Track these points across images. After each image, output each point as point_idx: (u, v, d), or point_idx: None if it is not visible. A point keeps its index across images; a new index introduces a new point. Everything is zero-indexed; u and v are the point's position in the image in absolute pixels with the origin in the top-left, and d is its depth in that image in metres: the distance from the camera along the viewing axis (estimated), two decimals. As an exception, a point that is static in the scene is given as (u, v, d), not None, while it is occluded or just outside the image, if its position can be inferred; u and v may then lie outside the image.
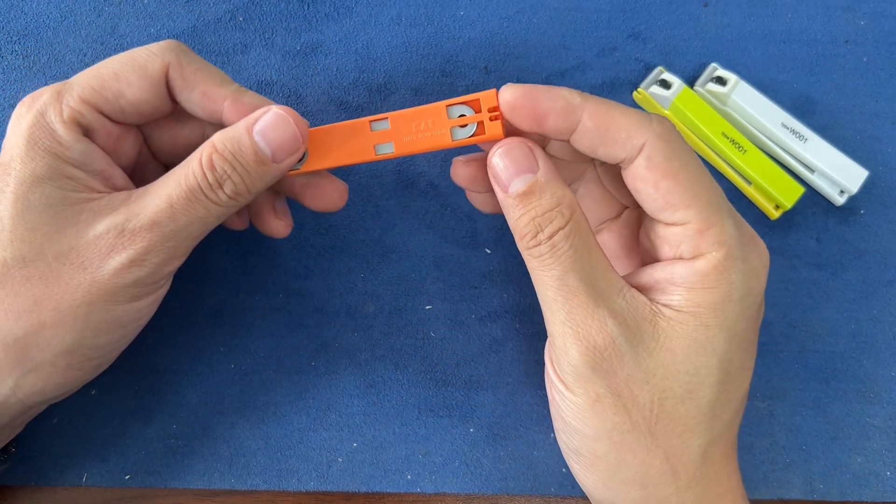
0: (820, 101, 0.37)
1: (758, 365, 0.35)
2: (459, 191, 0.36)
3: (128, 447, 0.33)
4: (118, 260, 0.24)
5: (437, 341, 0.35)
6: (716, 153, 0.36)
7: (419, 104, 0.36)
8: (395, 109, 0.36)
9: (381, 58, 0.37)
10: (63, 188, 0.25)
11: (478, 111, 0.25)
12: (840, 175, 0.35)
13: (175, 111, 0.29)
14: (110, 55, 0.36)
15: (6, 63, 0.36)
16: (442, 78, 0.37)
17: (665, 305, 0.24)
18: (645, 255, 0.27)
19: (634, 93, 0.37)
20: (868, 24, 0.38)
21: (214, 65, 0.36)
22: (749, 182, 0.35)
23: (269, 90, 0.36)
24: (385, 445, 0.34)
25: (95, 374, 0.27)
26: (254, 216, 0.31)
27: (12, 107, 0.35)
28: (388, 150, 0.26)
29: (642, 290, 0.25)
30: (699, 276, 0.24)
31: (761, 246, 0.25)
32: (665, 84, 0.35)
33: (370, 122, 0.26)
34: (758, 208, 0.36)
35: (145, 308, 0.26)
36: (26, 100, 0.26)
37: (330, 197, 0.29)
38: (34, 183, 0.24)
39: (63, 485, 0.33)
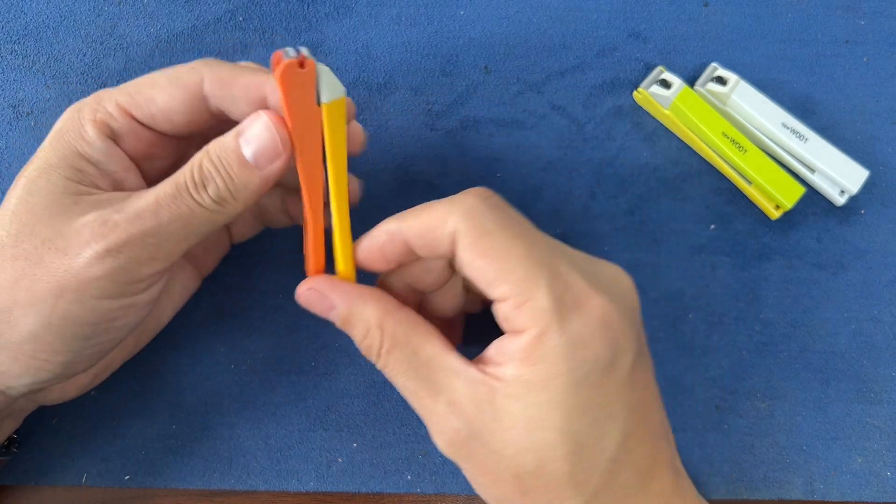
0: (820, 101, 0.37)
1: (758, 365, 0.35)
2: (459, 190, 0.36)
3: (127, 447, 0.33)
4: (94, 248, 0.24)
5: (437, 341, 0.35)
6: (716, 153, 0.36)
7: (419, 104, 0.36)
8: (394, 109, 0.36)
9: (381, 57, 0.37)
10: (69, 178, 0.26)
11: None
12: (841, 175, 0.35)
13: (215, 123, 0.29)
14: (110, 55, 0.36)
15: (5, 63, 0.36)
16: (442, 78, 0.37)
17: (501, 381, 0.24)
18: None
19: (635, 92, 0.37)
20: (868, 23, 0.38)
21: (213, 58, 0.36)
22: (749, 182, 0.35)
23: (269, 90, 0.36)
24: (385, 445, 0.34)
25: (68, 373, 0.27)
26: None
27: (12, 107, 0.35)
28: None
29: (489, 362, 0.25)
30: (523, 352, 0.23)
31: (592, 305, 0.23)
32: (665, 84, 0.35)
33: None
34: (758, 208, 0.36)
35: (119, 311, 0.26)
36: (75, 104, 0.27)
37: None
38: (45, 169, 0.26)
39: (62, 485, 0.33)
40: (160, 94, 0.27)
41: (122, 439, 0.33)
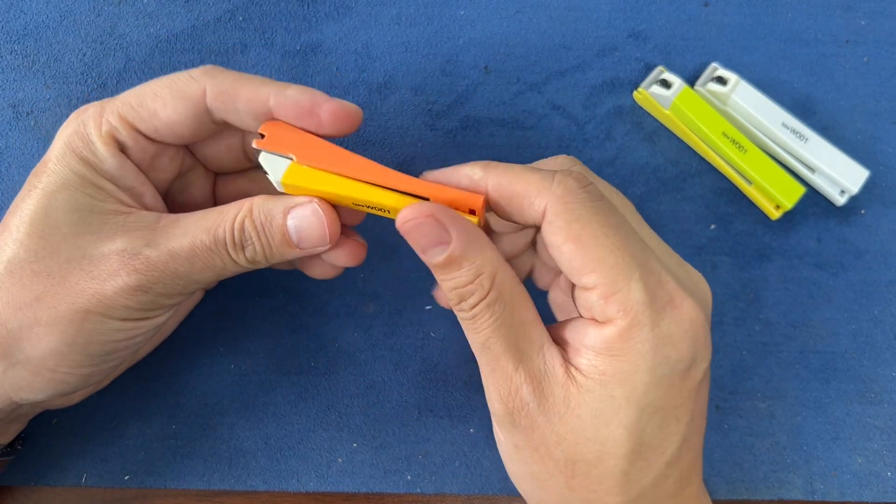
0: (820, 101, 0.37)
1: (758, 365, 0.35)
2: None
3: (127, 448, 0.33)
4: (125, 281, 0.24)
5: (437, 341, 0.35)
6: (716, 153, 0.36)
7: (419, 103, 0.36)
8: (394, 109, 0.36)
9: (381, 57, 0.37)
10: (92, 196, 0.25)
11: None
12: (841, 175, 0.35)
13: (219, 130, 0.29)
14: (109, 55, 0.36)
15: (5, 63, 0.36)
16: (442, 78, 0.37)
17: (577, 369, 0.23)
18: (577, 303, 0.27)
19: (635, 92, 0.37)
20: (868, 23, 0.38)
21: (214, 64, 0.36)
22: (750, 182, 0.35)
23: (269, 90, 0.36)
24: (385, 446, 0.34)
25: (86, 385, 0.27)
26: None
27: (11, 106, 0.35)
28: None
29: (564, 344, 0.25)
30: (605, 343, 0.23)
31: (685, 307, 0.23)
32: (665, 84, 0.35)
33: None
34: (758, 208, 0.36)
35: (140, 330, 0.26)
36: (77, 111, 0.27)
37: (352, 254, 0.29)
38: (63, 186, 0.25)
39: (63, 485, 0.33)
40: (163, 107, 0.26)
41: (122, 439, 0.33)
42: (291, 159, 0.25)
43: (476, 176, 0.25)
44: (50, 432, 0.33)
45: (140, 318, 0.26)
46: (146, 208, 0.27)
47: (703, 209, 0.36)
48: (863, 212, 0.36)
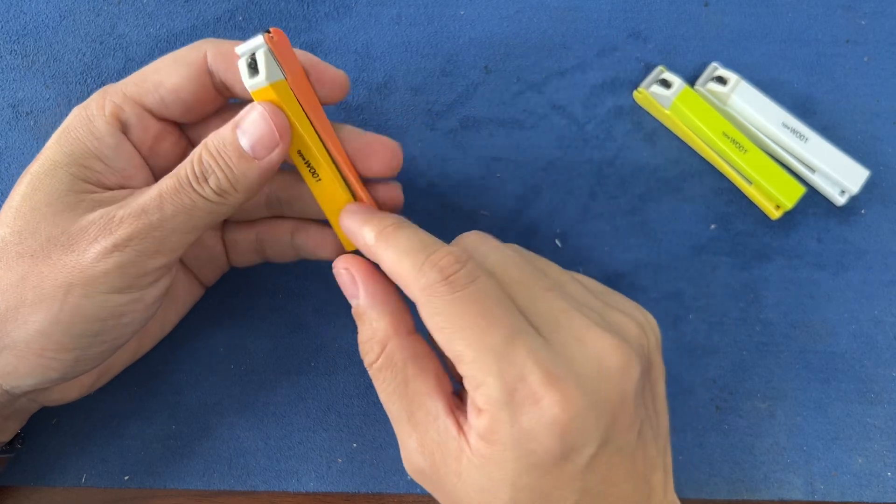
0: (821, 101, 0.37)
1: (759, 365, 0.35)
2: (459, 190, 0.36)
3: (127, 448, 0.33)
4: (102, 244, 0.25)
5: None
6: (716, 153, 0.35)
7: (419, 103, 0.36)
8: (394, 109, 0.36)
9: (380, 57, 0.37)
10: (75, 175, 0.26)
11: None
12: (841, 175, 0.35)
13: (222, 108, 0.29)
14: (109, 55, 0.36)
15: (4, 63, 0.36)
16: (442, 77, 0.37)
17: (469, 445, 0.24)
18: None
19: (635, 92, 0.37)
20: (869, 23, 0.38)
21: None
22: (750, 182, 0.35)
23: (269, 90, 0.36)
24: (385, 446, 0.34)
25: (75, 373, 0.27)
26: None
27: (11, 106, 0.35)
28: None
29: (463, 413, 0.25)
30: (482, 429, 0.23)
31: (545, 402, 0.22)
32: (666, 83, 0.35)
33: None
34: (758, 208, 0.36)
35: (126, 306, 0.26)
36: (82, 102, 0.28)
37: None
38: (51, 167, 0.26)
39: (62, 485, 0.33)
40: (167, 76, 0.27)
41: (121, 439, 0.33)
42: (284, 77, 0.26)
43: (369, 241, 0.26)
44: (49, 432, 0.33)
45: (124, 290, 0.25)
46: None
47: (703, 209, 0.36)
48: (863, 212, 0.36)
